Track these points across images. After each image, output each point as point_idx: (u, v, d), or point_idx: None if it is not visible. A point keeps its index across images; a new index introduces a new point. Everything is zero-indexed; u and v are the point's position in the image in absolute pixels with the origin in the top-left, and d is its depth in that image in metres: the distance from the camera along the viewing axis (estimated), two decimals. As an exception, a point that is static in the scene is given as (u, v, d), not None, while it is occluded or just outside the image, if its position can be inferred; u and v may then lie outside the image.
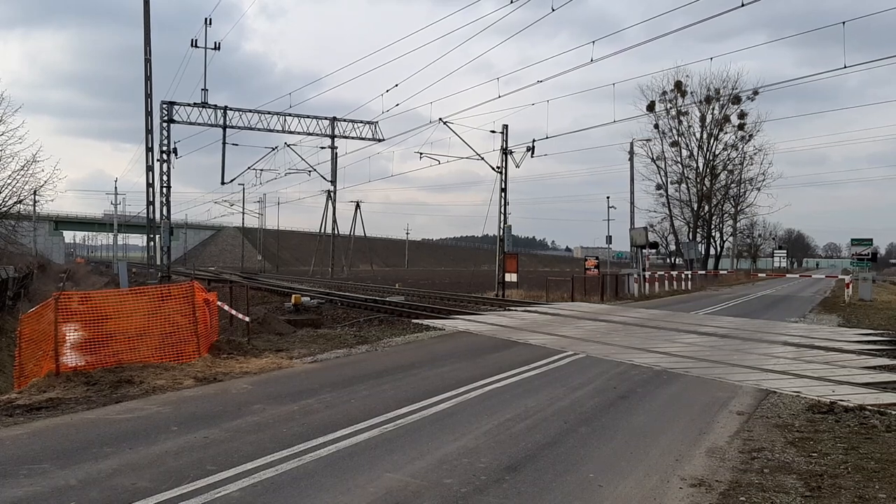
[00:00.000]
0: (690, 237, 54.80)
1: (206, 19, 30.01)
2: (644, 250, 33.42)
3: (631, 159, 40.75)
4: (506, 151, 32.14)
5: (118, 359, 9.32)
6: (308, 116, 35.76)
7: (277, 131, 34.50)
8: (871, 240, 34.82)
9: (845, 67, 17.20)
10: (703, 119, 54.43)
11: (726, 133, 54.66)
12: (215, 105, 32.15)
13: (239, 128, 33.22)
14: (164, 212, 29.78)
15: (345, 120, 37.15)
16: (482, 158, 33.01)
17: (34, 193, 31.58)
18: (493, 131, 32.41)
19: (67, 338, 9.07)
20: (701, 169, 55.34)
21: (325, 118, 36.68)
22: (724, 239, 62.88)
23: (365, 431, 6.43)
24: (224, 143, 32.98)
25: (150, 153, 28.62)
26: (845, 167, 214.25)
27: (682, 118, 54.10)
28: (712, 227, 58.55)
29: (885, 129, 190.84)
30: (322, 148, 40.50)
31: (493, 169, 32.60)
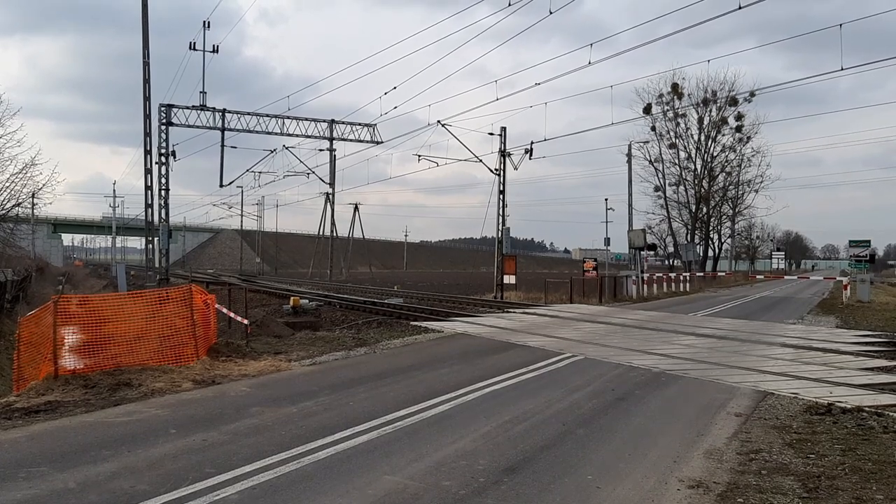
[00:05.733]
0: (689, 239, 54.85)
1: (204, 22, 30.05)
2: (642, 252, 33.45)
3: (629, 161, 40.82)
4: (504, 154, 32.17)
5: (117, 362, 9.32)
6: (306, 119, 35.83)
7: (276, 134, 34.55)
8: (868, 241, 34.96)
9: (842, 69, 17.27)
10: (700, 121, 54.60)
11: (724, 135, 54.85)
12: (213, 108, 32.18)
13: (237, 130, 33.27)
14: (163, 214, 29.79)
15: (343, 122, 37.19)
16: (480, 161, 33.09)
17: (32, 196, 31.50)
18: (491, 133, 32.47)
19: (66, 341, 9.06)
20: (699, 171, 55.48)
21: (324, 121, 36.73)
22: (723, 241, 63.05)
23: (363, 434, 6.43)
24: (223, 145, 33.02)
25: (149, 156, 28.62)
26: (840, 169, 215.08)
27: (679, 120, 54.25)
28: (710, 228, 58.66)
29: (877, 131, 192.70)
30: (320, 150, 40.64)
31: (491, 171, 32.66)
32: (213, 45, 30.71)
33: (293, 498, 4.79)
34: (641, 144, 50.98)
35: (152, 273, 32.27)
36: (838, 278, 35.89)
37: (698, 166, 55.46)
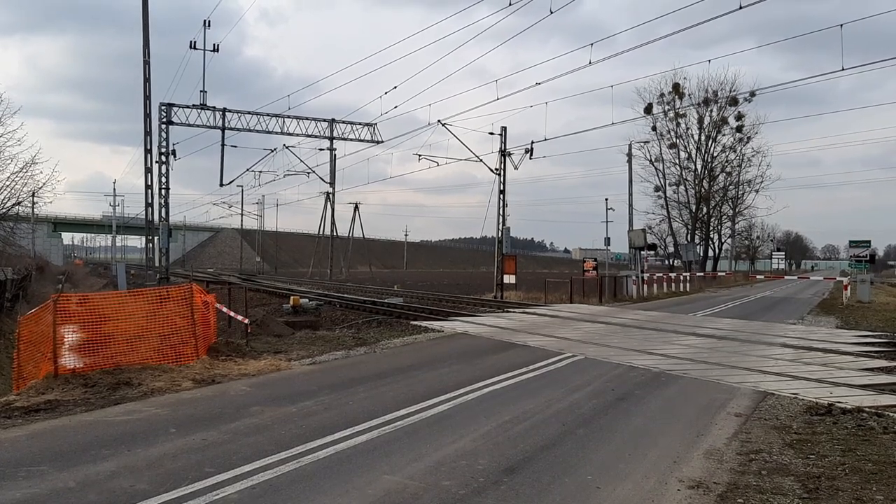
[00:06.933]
0: (689, 239, 54.83)
1: (204, 22, 30.09)
2: (642, 252, 33.43)
3: (629, 161, 40.88)
4: (504, 153, 32.16)
5: (116, 361, 9.31)
6: (307, 118, 35.84)
7: (276, 133, 34.57)
8: (868, 241, 34.94)
9: (843, 69, 17.28)
10: (700, 121, 54.57)
11: (724, 135, 54.83)
12: (214, 107, 32.18)
13: (238, 129, 33.28)
14: (163, 213, 29.80)
15: (343, 122, 37.19)
16: (481, 160, 33.08)
17: (33, 195, 31.49)
18: (491, 133, 32.47)
19: (66, 340, 9.05)
20: (699, 171, 55.46)
21: (324, 120, 36.73)
22: (723, 241, 63.03)
23: (363, 433, 6.43)
24: (223, 144, 33.03)
25: (149, 155, 28.66)
26: (840, 169, 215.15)
27: (679, 120, 54.21)
28: (710, 228, 58.65)
29: (877, 131, 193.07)
30: (320, 150, 40.65)
31: (491, 171, 32.65)
32: (214, 45, 30.81)
33: (293, 497, 4.78)
34: (642, 144, 51.05)
35: (152, 272, 32.31)
36: (838, 278, 35.87)
37: (698, 166, 55.49)
